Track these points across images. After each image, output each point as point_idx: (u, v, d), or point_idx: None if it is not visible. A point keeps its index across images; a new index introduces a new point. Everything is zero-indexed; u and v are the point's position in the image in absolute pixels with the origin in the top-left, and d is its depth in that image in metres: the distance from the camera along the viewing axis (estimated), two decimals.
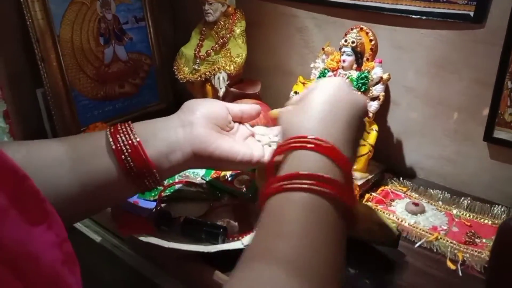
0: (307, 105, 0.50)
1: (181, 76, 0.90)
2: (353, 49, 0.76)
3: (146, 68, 1.05)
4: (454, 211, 0.74)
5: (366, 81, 0.75)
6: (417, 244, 0.67)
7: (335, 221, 0.43)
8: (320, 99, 0.49)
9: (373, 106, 0.75)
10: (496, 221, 0.71)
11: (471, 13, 0.70)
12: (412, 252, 0.65)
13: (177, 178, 0.78)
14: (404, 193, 0.79)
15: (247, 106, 0.67)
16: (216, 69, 0.87)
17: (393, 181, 0.82)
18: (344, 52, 0.77)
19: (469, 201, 0.75)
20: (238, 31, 0.89)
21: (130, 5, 0.98)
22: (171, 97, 1.10)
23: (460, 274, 0.62)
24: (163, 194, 0.75)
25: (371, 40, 0.76)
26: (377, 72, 0.75)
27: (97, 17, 0.93)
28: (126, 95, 1.01)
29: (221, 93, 0.87)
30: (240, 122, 0.67)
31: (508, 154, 0.73)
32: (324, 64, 0.82)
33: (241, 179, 0.79)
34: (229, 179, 0.79)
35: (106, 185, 0.54)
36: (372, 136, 0.77)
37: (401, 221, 0.72)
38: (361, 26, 0.77)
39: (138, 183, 0.56)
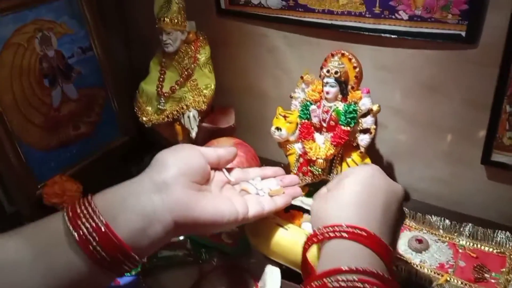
0: (341, 192, 0.48)
1: (145, 119, 0.80)
2: (337, 79, 0.68)
3: (101, 101, 0.93)
4: (457, 241, 0.70)
5: (355, 115, 0.68)
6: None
7: None
8: (354, 187, 0.48)
9: (365, 140, 0.69)
10: (501, 249, 0.68)
11: (463, 33, 0.64)
12: None
13: None
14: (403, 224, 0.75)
15: (223, 151, 0.59)
16: (184, 107, 0.78)
17: None
18: (327, 83, 0.69)
19: (470, 228, 0.72)
20: (202, 59, 0.79)
21: (73, 36, 0.86)
22: (134, 127, 1.00)
23: None
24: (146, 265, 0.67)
25: (355, 67, 0.68)
26: (365, 104, 0.68)
27: (38, 56, 0.80)
28: (83, 137, 0.90)
29: (193, 134, 0.78)
30: (216, 168, 0.59)
31: (507, 175, 0.70)
32: (304, 94, 0.74)
33: (229, 232, 0.72)
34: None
35: (78, 281, 0.45)
36: None
37: (407, 261, 0.68)
38: (342, 51, 0.69)
39: (115, 270, 0.47)
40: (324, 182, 0.73)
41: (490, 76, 0.64)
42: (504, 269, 0.65)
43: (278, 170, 0.65)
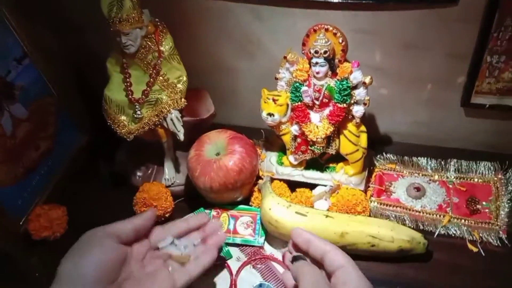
0: None
1: (124, 131, 0.73)
2: (326, 58, 0.66)
3: (52, 109, 0.83)
4: (446, 178, 0.78)
5: (349, 91, 0.67)
6: (436, 234, 0.71)
7: None
8: None
9: (360, 111, 0.70)
10: (486, 179, 0.77)
11: None
12: (435, 245, 0.69)
13: None
14: (395, 171, 0.80)
15: (140, 221, 0.59)
16: (164, 110, 0.72)
17: (378, 159, 0.82)
18: (316, 63, 0.67)
19: (455, 163, 0.79)
20: (167, 50, 0.71)
21: (2, 47, 0.72)
22: (93, 124, 0.91)
23: (483, 254, 0.68)
24: None
25: (341, 42, 0.66)
26: (357, 77, 0.67)
27: None
28: (46, 154, 0.81)
29: (181, 136, 0.73)
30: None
31: (483, 112, 0.75)
32: (289, 74, 0.71)
33: (244, 221, 0.73)
34: (231, 227, 0.73)
35: None
36: (363, 138, 0.73)
37: (410, 210, 0.74)
38: (325, 26, 0.66)
39: None
40: (323, 154, 0.76)
41: (471, 31, 0.66)
42: (491, 197, 0.74)
43: (202, 217, 0.65)
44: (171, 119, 0.72)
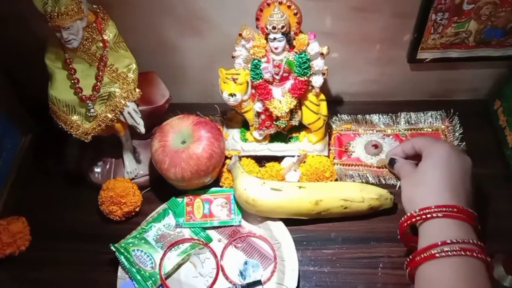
0: (426, 178, 0.59)
1: (80, 132, 0.68)
2: (283, 32, 0.65)
3: None
4: (398, 131, 0.82)
5: (309, 63, 0.68)
6: (397, 186, 0.76)
7: (481, 278, 0.52)
8: (436, 170, 0.59)
9: (319, 81, 0.70)
10: (434, 127, 0.82)
11: None
12: (398, 196, 0.73)
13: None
14: (351, 131, 0.83)
15: None
16: (119, 105, 0.67)
17: (334, 121, 0.84)
18: (274, 39, 0.65)
19: (405, 115, 0.84)
20: (111, 38, 0.66)
21: None
22: (33, 121, 0.84)
23: None
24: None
25: (295, 14, 0.65)
26: (314, 49, 0.67)
27: None
28: None
29: (142, 129, 0.70)
30: None
31: (428, 65, 0.79)
32: (246, 51, 0.69)
33: (219, 203, 0.74)
34: (206, 211, 0.73)
35: None
36: (323, 106, 0.74)
37: (371, 167, 0.78)
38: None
39: None
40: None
41: None
42: None
43: None
44: (129, 113, 0.68)
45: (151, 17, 0.76)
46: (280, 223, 0.71)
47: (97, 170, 0.78)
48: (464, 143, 0.79)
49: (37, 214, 0.76)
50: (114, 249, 0.68)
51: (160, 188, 0.77)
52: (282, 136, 0.78)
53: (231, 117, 0.82)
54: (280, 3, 0.64)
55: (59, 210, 0.78)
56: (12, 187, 0.79)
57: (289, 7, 0.65)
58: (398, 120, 0.84)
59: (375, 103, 0.87)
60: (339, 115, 0.85)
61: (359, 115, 0.85)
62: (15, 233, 0.71)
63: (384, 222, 0.73)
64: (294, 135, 0.78)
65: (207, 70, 0.82)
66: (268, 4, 0.65)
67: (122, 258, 0.67)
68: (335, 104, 0.87)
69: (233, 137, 0.79)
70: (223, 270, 0.68)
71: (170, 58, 0.82)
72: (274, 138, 0.78)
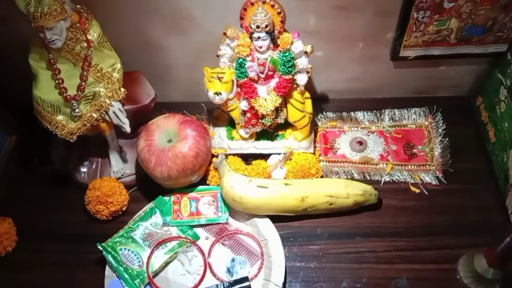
0: None
1: (64, 132, 0.67)
2: (267, 31, 0.66)
3: None
4: (383, 128, 0.83)
5: (293, 62, 0.68)
6: (382, 182, 0.77)
7: None
8: None
9: (303, 79, 0.71)
10: (417, 124, 0.83)
11: None
12: (382, 192, 0.75)
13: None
14: (336, 128, 0.84)
15: None
16: (104, 104, 0.68)
17: (319, 118, 0.85)
18: (259, 38, 0.66)
19: (389, 112, 0.85)
20: (96, 38, 0.66)
21: None
22: (16, 122, 0.83)
23: (426, 193, 0.76)
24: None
25: (279, 13, 0.66)
26: (298, 47, 0.68)
27: None
28: None
29: (128, 128, 0.70)
30: None
31: (410, 63, 0.81)
32: (230, 50, 0.70)
33: (206, 202, 0.74)
34: (193, 209, 0.74)
35: None
36: (308, 104, 0.75)
37: (356, 163, 0.79)
38: None
39: None
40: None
41: None
42: (425, 140, 0.81)
43: None
44: (114, 112, 0.69)
45: (135, 17, 0.76)
46: (267, 220, 0.72)
47: (83, 170, 0.78)
48: (447, 138, 0.80)
49: (23, 215, 0.76)
50: (101, 248, 0.68)
51: (147, 187, 0.77)
52: (268, 134, 0.79)
53: (217, 115, 0.82)
54: (264, 2, 0.65)
55: (45, 211, 0.78)
56: None
57: (272, 6, 0.65)
58: (382, 117, 0.85)
59: (360, 100, 0.88)
60: (324, 113, 0.86)
61: (344, 113, 0.86)
62: (1, 233, 0.71)
63: (369, 217, 0.74)
64: (280, 133, 0.79)
65: (192, 68, 0.82)
66: (252, 3, 0.65)
67: (109, 257, 0.67)
68: (320, 102, 0.88)
69: (219, 135, 0.80)
70: (210, 268, 0.69)
71: (155, 57, 0.82)
72: (260, 136, 0.79)
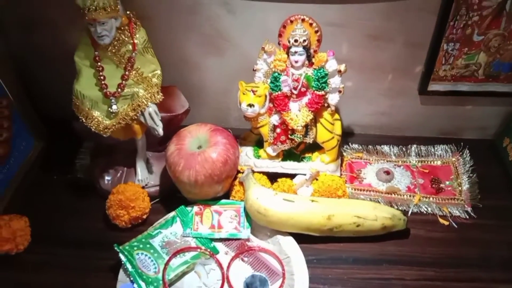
0: None
1: (101, 127, 0.68)
2: (304, 47, 0.69)
3: (7, 113, 0.76)
4: (409, 162, 0.83)
5: (327, 79, 0.70)
6: (409, 212, 0.75)
7: None
8: None
9: (335, 99, 0.73)
10: (444, 160, 0.83)
11: None
12: (410, 222, 0.73)
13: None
14: (362, 159, 0.84)
15: None
16: (141, 104, 0.69)
17: (345, 149, 0.85)
18: (295, 52, 0.69)
19: (415, 148, 0.85)
20: (141, 42, 0.69)
21: None
22: (45, 128, 0.85)
23: (455, 226, 0.73)
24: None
25: (316, 31, 0.69)
26: (332, 66, 0.70)
27: None
28: (1, 162, 0.74)
29: (161, 131, 0.71)
30: None
31: (438, 99, 0.83)
32: (266, 65, 0.72)
33: (228, 216, 0.72)
34: (214, 222, 0.71)
35: None
36: (337, 126, 0.76)
37: (383, 193, 0.78)
38: (301, 17, 0.68)
39: None
40: (298, 145, 0.78)
41: (429, 21, 0.73)
42: (452, 176, 0.81)
43: None
44: (149, 114, 0.70)
45: (177, 33, 0.79)
46: (290, 238, 0.69)
47: (108, 177, 0.78)
48: (475, 174, 0.79)
49: (40, 217, 0.74)
50: (117, 250, 0.65)
51: (169, 201, 0.76)
52: (295, 155, 0.79)
53: (245, 136, 0.83)
54: (303, 20, 0.69)
55: (62, 216, 0.76)
56: (18, 187, 0.78)
57: (311, 24, 0.69)
58: (408, 152, 0.85)
59: (385, 137, 0.89)
60: (350, 145, 0.86)
61: (369, 146, 0.86)
62: (15, 229, 0.69)
63: (396, 245, 0.71)
64: (307, 155, 0.79)
65: (224, 92, 0.85)
66: (291, 21, 0.69)
67: (125, 260, 0.65)
68: (346, 136, 0.88)
69: (246, 153, 0.80)
70: (229, 282, 0.65)
71: (190, 76, 0.84)
72: (287, 157, 0.79)
